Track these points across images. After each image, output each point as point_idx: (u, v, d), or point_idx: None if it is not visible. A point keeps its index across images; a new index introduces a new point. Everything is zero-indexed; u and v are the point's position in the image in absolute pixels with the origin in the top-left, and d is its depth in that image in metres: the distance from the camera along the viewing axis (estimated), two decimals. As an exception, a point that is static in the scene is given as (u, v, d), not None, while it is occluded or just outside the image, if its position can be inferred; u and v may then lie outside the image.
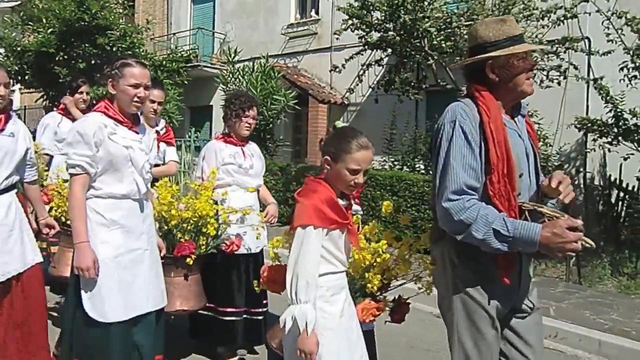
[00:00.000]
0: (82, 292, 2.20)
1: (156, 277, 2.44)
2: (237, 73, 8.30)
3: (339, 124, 2.82)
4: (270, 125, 9.08)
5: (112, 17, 10.42)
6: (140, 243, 2.35)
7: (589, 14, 6.42)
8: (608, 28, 6.36)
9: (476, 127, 1.77)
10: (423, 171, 8.26)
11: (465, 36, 6.44)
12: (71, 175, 2.24)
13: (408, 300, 2.31)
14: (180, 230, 2.91)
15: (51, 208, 3.25)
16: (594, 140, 6.92)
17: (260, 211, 3.36)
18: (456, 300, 1.87)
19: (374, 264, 2.16)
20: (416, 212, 6.90)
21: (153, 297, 2.37)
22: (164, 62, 11.71)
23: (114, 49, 10.17)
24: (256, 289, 2.31)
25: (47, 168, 3.94)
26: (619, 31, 6.22)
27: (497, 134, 1.74)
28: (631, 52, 6.11)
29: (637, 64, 6.19)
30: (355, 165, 1.81)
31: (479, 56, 1.82)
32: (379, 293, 2.19)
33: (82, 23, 9.94)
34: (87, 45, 10.11)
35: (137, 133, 2.39)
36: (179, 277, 2.93)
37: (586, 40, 7.72)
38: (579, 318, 4.55)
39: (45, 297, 2.82)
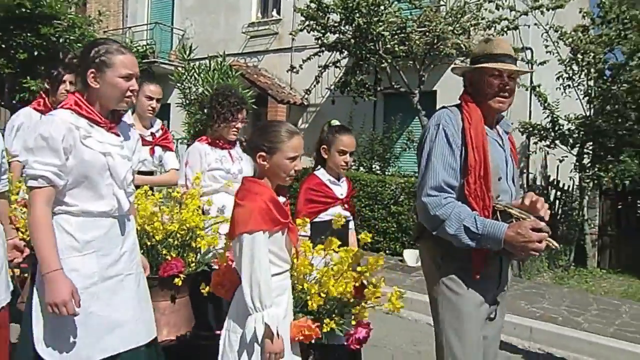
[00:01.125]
0: (35, 329, 1.81)
1: (142, 305, 2.06)
2: (192, 71, 8.49)
3: (335, 122, 2.85)
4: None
5: (59, 5, 9.85)
6: (119, 268, 1.97)
7: (529, 26, 7.10)
8: (546, 40, 7.09)
9: (458, 132, 1.96)
10: (379, 172, 8.77)
11: (418, 41, 6.99)
12: (31, 188, 1.80)
13: (368, 323, 2.23)
14: (165, 246, 2.53)
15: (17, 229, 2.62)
16: (535, 143, 7.65)
17: None
18: (443, 299, 2.01)
19: (314, 276, 2.10)
20: (370, 212, 7.37)
21: (137, 331, 1.99)
22: (118, 57, 11.62)
23: (61, 40, 9.70)
24: (203, 291, 2.23)
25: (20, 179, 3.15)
26: (555, 44, 6.94)
27: (477, 140, 1.92)
28: (564, 64, 6.83)
29: (570, 75, 6.94)
30: (293, 152, 1.89)
31: (456, 67, 2.14)
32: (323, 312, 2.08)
33: (24, 10, 9.32)
34: (29, 34, 9.48)
35: (118, 135, 2.00)
36: (165, 301, 2.55)
37: (528, 51, 8.48)
38: (515, 308, 5.12)
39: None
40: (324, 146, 2.76)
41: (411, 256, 6.77)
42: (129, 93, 1.93)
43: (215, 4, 12.90)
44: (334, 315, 2.08)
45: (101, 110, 1.93)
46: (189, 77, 9.27)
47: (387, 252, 7.21)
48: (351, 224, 2.92)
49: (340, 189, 2.81)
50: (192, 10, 13.33)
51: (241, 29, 12.16)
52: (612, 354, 4.36)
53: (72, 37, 9.90)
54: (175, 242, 2.57)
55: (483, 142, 1.93)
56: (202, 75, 9.21)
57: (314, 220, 2.65)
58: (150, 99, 3.29)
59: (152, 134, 3.38)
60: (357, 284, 2.12)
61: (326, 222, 2.64)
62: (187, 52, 9.47)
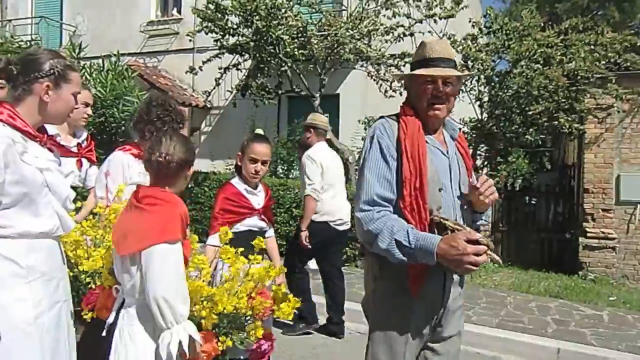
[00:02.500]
0: None
1: (72, 335, 1.99)
2: (84, 71, 8.06)
3: (259, 131, 2.94)
4: (123, 128, 8.96)
5: None
6: (60, 294, 1.87)
7: (423, 33, 7.50)
8: (455, 48, 7.56)
9: (394, 143, 1.90)
10: (282, 175, 8.84)
11: (317, 46, 7.14)
12: None
13: (270, 334, 2.16)
14: (90, 275, 2.31)
15: None
16: (430, 144, 8.13)
17: None
18: (375, 313, 1.97)
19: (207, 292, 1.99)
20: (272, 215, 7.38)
21: None
22: (-5, 53, 10.75)
23: None
24: (85, 316, 2.13)
25: None
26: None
27: (412, 150, 1.85)
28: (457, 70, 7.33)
29: (463, 80, 7.47)
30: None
31: (395, 75, 2.16)
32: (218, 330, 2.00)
33: None
34: None
35: (51, 150, 1.91)
36: (89, 338, 2.36)
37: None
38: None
39: None
40: (239, 153, 2.81)
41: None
42: (74, 110, 1.94)
43: (110, -1, 12.30)
44: (231, 332, 2.02)
45: (35, 124, 1.82)
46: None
47: (291, 256, 7.27)
48: (270, 232, 2.99)
49: (257, 199, 2.84)
50: (84, 5, 12.61)
51: (139, 27, 11.70)
52: (496, 343, 4.74)
53: None
54: (100, 268, 2.31)
55: (419, 152, 1.86)
56: (94, 75, 8.77)
57: (231, 230, 2.62)
58: (86, 105, 3.07)
59: (79, 144, 3.11)
60: (253, 295, 2.09)
61: (242, 233, 2.68)
62: (77, 50, 8.98)
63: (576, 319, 5.41)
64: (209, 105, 11.01)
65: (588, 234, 8.09)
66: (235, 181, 2.83)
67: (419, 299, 1.87)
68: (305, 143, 4.75)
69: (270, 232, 3.00)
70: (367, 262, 2.06)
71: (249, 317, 2.08)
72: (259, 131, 2.94)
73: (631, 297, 6.61)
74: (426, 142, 1.93)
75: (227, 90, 9.17)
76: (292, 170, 9.25)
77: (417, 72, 1.94)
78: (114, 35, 12.03)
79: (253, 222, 2.79)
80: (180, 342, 1.72)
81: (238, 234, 2.64)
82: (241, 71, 8.17)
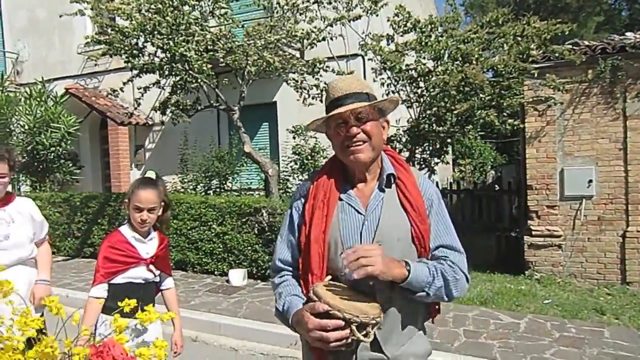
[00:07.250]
0: None
1: None
2: (4, 101, 7.99)
3: (150, 174, 2.71)
4: (52, 154, 8.88)
5: None
6: None
7: (336, 37, 7.29)
8: (362, 48, 7.34)
9: (302, 203, 1.77)
10: (218, 188, 8.69)
11: (223, 59, 6.90)
12: None
13: None
14: None
15: None
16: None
17: None
18: None
19: None
20: (197, 234, 7.25)
21: None
22: None
23: None
24: None
25: None
26: (373, 52, 7.18)
27: (309, 214, 1.70)
28: (375, 73, 7.13)
29: (382, 83, 7.25)
30: None
31: (307, 124, 1.82)
32: None
33: None
34: None
35: None
36: None
37: (360, 58, 8.83)
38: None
39: None
40: (126, 200, 2.65)
41: (236, 276, 6.74)
42: None
43: (47, 24, 12.20)
44: None
45: None
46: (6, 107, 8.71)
47: (216, 273, 7.15)
48: (168, 283, 2.81)
49: (146, 247, 2.66)
50: (23, 32, 12.53)
51: (77, 49, 11.58)
52: None
53: None
54: None
55: (314, 215, 1.67)
56: (22, 102, 8.71)
57: (112, 281, 2.52)
58: None
59: None
60: None
61: (120, 286, 2.53)
62: (14, 77, 8.95)
63: (490, 330, 5.18)
64: (150, 122, 10.90)
65: (533, 232, 7.85)
66: (124, 228, 2.67)
67: None
68: None
69: (169, 283, 2.82)
70: None
71: None
72: (150, 174, 2.73)
73: (567, 300, 6.37)
74: (340, 199, 1.70)
75: (151, 108, 9.02)
76: (228, 183, 9.13)
77: (321, 117, 1.71)
78: (55, 59, 11.96)
79: (137, 273, 2.60)
80: None
81: (121, 286, 2.51)
82: (164, 89, 8.03)
